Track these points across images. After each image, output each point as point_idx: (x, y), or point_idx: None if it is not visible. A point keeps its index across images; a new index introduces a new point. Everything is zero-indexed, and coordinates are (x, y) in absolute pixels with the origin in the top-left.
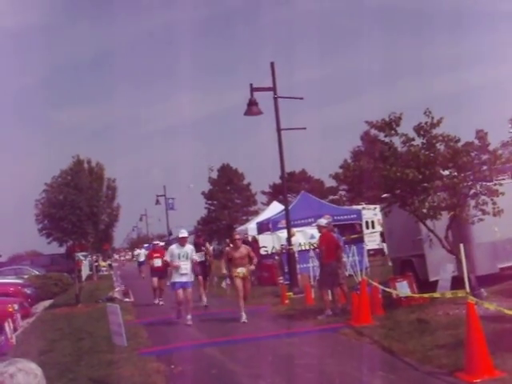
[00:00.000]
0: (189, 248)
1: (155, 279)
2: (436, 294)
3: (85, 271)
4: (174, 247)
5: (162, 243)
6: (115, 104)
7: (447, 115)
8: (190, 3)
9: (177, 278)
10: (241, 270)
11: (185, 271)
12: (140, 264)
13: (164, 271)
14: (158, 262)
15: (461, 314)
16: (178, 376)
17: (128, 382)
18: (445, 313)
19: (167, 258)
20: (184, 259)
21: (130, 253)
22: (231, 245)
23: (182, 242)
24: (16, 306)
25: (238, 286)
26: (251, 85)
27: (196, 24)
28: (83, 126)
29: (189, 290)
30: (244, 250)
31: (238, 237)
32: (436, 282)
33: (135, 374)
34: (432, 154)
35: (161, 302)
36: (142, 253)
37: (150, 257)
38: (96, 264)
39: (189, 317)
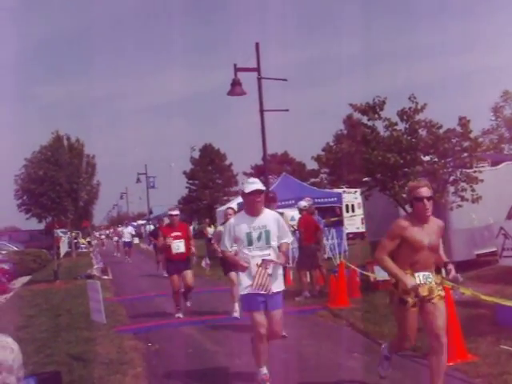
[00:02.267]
0: None
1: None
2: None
3: (63, 248)
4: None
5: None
6: (97, 81)
7: (431, 101)
8: None
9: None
10: None
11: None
12: (125, 244)
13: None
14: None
15: None
16: (154, 354)
17: (105, 358)
18: None
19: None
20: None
21: (111, 230)
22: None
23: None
24: None
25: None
26: (235, 65)
27: (182, 2)
28: (64, 101)
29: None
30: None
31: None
32: None
33: (112, 351)
34: (414, 140)
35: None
36: (127, 231)
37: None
38: (75, 241)
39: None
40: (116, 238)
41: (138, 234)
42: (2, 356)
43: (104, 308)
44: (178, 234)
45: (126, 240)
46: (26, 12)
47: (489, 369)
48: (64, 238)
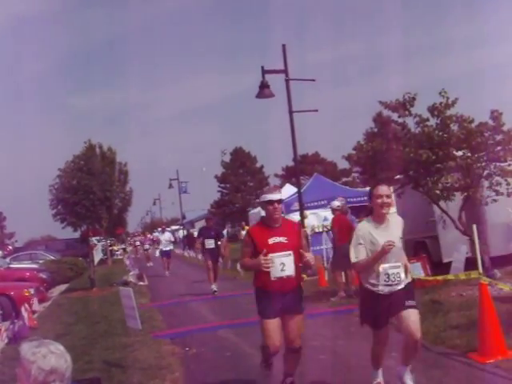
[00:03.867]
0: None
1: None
2: (449, 276)
3: (98, 255)
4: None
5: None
6: (129, 88)
7: (462, 95)
8: None
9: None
10: None
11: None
12: (164, 254)
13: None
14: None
15: (474, 295)
16: (192, 358)
17: (143, 364)
18: (458, 294)
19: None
20: None
21: (142, 237)
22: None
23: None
24: (32, 291)
25: None
26: (262, 67)
27: (208, 7)
28: (97, 110)
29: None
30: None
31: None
32: (449, 263)
33: (150, 356)
34: (446, 135)
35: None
36: (164, 238)
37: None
38: (110, 248)
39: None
40: (147, 246)
41: (151, 240)
42: (58, 364)
43: (140, 314)
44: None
45: (165, 249)
46: (58, 23)
47: None
48: (99, 246)
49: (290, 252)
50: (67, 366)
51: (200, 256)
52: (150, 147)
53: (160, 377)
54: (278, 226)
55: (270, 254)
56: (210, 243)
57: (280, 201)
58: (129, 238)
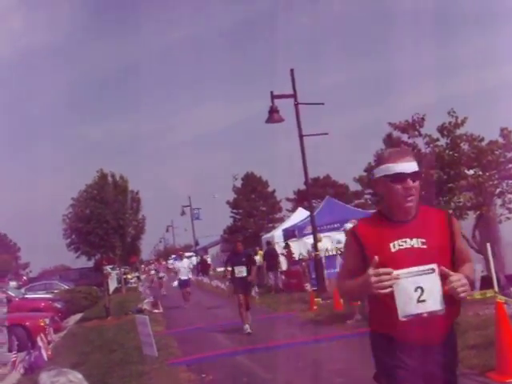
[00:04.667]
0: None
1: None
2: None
3: (113, 284)
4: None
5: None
6: (140, 117)
7: (471, 115)
8: (211, 15)
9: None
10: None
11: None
12: (183, 284)
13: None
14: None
15: (491, 314)
16: None
17: None
18: (475, 313)
19: None
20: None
21: (163, 263)
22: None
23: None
24: (47, 321)
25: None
26: (272, 92)
27: (218, 34)
28: (109, 139)
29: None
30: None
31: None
32: None
33: (167, 383)
34: (456, 154)
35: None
36: (183, 266)
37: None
38: (124, 276)
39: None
40: (162, 274)
41: (166, 268)
42: None
43: (156, 341)
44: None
45: (184, 278)
46: (69, 53)
47: None
48: (113, 274)
49: (434, 266)
50: None
51: (225, 285)
52: (161, 174)
53: None
54: (412, 220)
55: (396, 272)
56: (240, 271)
57: (418, 175)
58: (143, 266)
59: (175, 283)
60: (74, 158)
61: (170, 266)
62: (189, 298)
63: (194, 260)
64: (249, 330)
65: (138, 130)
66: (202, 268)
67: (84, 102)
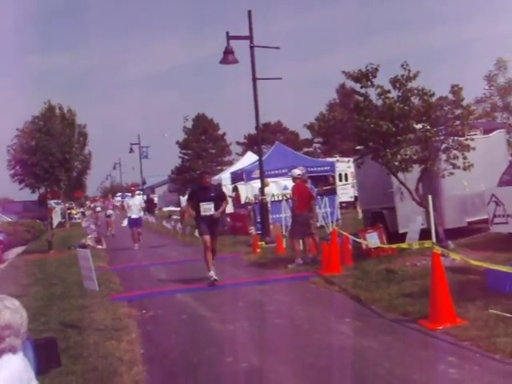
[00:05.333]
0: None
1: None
2: (403, 245)
3: (57, 218)
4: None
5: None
6: (91, 51)
7: (424, 70)
8: None
9: None
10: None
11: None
12: (133, 223)
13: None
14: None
15: (428, 265)
16: (149, 320)
17: (100, 325)
18: (412, 264)
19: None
20: None
21: (111, 200)
22: None
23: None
24: None
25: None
26: (227, 33)
27: None
28: (57, 71)
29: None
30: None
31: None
32: (406, 233)
33: (107, 317)
34: (406, 107)
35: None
36: (134, 203)
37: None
38: (69, 212)
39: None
40: (110, 212)
41: (113, 206)
42: (13, 319)
43: (98, 277)
44: None
45: (134, 216)
46: None
47: (477, 332)
48: (57, 209)
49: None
50: (22, 321)
51: (171, 225)
52: (111, 111)
53: (116, 338)
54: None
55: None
56: (207, 208)
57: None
58: (88, 202)
59: (125, 222)
60: (21, 88)
61: (118, 204)
62: (139, 238)
63: (144, 198)
64: (215, 277)
65: (88, 64)
66: (148, 207)
67: (33, 29)
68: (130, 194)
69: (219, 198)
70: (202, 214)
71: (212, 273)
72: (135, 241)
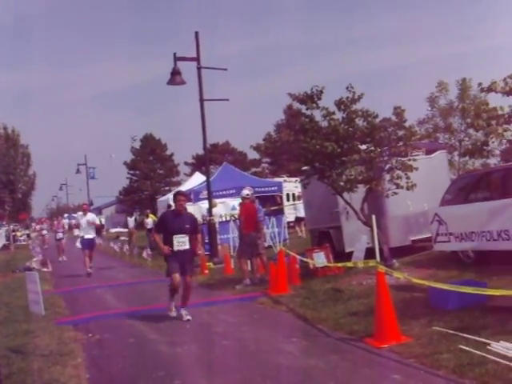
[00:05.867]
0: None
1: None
2: (349, 264)
3: (0, 241)
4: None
5: None
6: (36, 70)
7: (368, 92)
8: None
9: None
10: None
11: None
12: (86, 244)
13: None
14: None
15: (373, 283)
16: (95, 344)
17: (44, 350)
18: (358, 283)
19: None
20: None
21: (61, 221)
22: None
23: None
24: None
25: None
26: (175, 54)
27: None
28: (2, 91)
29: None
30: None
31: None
32: (352, 253)
33: (52, 342)
34: (351, 129)
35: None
36: (85, 222)
37: None
38: (13, 234)
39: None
40: (60, 235)
41: (63, 228)
42: None
43: (43, 300)
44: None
45: (87, 236)
46: None
47: (421, 349)
48: (2, 231)
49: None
50: None
51: (127, 248)
52: (56, 131)
53: (61, 363)
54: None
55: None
56: (181, 242)
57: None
58: (33, 224)
59: (77, 243)
60: None
61: (66, 226)
62: (91, 260)
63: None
64: (188, 317)
65: (32, 83)
66: (74, 225)
67: None
68: (81, 213)
69: (194, 230)
70: (176, 248)
71: (172, 308)
72: (86, 265)
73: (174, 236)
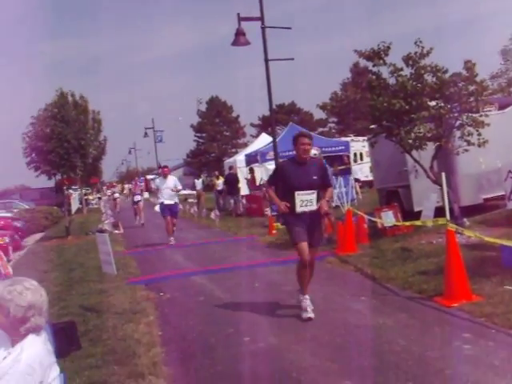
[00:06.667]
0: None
1: None
2: (418, 222)
3: (74, 205)
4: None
5: None
6: (102, 37)
7: (438, 46)
8: None
9: None
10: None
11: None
12: (166, 210)
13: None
14: None
15: (443, 242)
16: (166, 303)
17: (118, 308)
18: (428, 242)
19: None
20: None
21: (138, 183)
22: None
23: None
24: (7, 239)
25: None
26: (238, 14)
27: None
28: (69, 58)
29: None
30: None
31: None
32: (421, 212)
33: (125, 301)
34: (419, 85)
35: None
36: (167, 185)
37: None
38: (85, 197)
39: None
40: (138, 198)
41: (141, 190)
42: (35, 299)
43: (115, 261)
44: None
45: (168, 202)
46: None
47: (492, 308)
48: (74, 195)
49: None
50: (43, 299)
51: (195, 210)
52: (124, 96)
53: (134, 321)
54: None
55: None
56: (306, 200)
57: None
58: (104, 188)
59: (157, 207)
60: (34, 76)
61: (152, 187)
62: (174, 228)
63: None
64: (309, 315)
65: (99, 49)
66: (153, 190)
67: (43, 18)
68: (161, 174)
69: (324, 183)
70: (299, 210)
71: (306, 302)
72: (169, 232)
73: (297, 193)
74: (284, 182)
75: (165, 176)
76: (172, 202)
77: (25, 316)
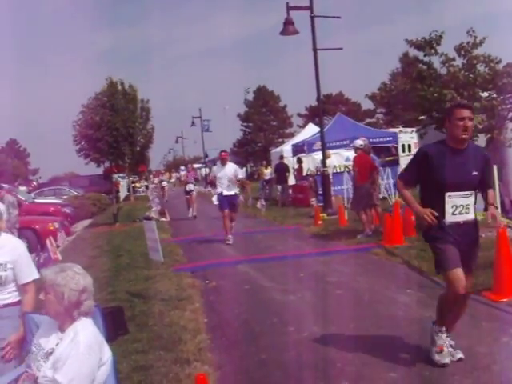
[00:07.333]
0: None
1: None
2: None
3: (123, 192)
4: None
5: None
6: (151, 26)
7: (491, 35)
8: None
9: None
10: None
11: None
12: (224, 202)
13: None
14: None
15: (493, 236)
16: (211, 290)
17: (164, 295)
18: None
19: None
20: None
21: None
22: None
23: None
24: (57, 225)
25: None
26: (287, 3)
27: None
28: (119, 48)
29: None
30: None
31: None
32: None
33: (171, 288)
34: (472, 75)
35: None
36: (225, 174)
37: None
38: (133, 185)
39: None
40: (191, 187)
41: (195, 179)
42: (87, 282)
43: (162, 248)
44: None
45: (227, 193)
46: None
47: None
48: (122, 183)
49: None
50: (91, 285)
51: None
52: (172, 85)
53: (180, 307)
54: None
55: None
56: (463, 206)
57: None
58: (151, 176)
59: (214, 199)
60: (84, 66)
61: (210, 175)
62: (231, 225)
63: (203, 172)
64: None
65: (149, 39)
66: (210, 180)
67: (95, 9)
68: (219, 161)
69: (483, 182)
70: (450, 219)
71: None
72: (227, 229)
73: (448, 195)
74: (429, 177)
75: (223, 162)
76: (232, 193)
77: (79, 300)
